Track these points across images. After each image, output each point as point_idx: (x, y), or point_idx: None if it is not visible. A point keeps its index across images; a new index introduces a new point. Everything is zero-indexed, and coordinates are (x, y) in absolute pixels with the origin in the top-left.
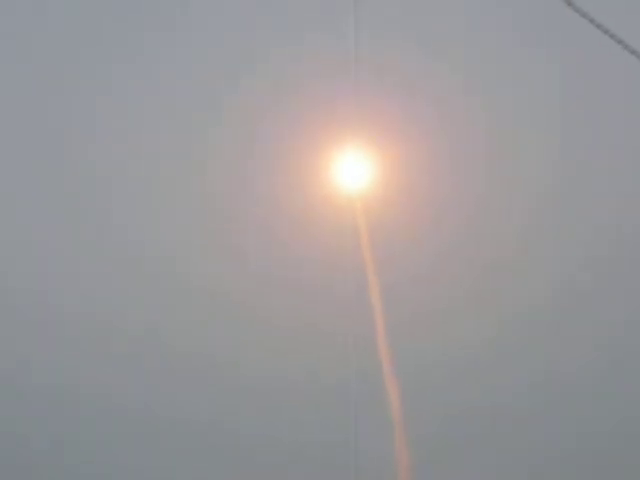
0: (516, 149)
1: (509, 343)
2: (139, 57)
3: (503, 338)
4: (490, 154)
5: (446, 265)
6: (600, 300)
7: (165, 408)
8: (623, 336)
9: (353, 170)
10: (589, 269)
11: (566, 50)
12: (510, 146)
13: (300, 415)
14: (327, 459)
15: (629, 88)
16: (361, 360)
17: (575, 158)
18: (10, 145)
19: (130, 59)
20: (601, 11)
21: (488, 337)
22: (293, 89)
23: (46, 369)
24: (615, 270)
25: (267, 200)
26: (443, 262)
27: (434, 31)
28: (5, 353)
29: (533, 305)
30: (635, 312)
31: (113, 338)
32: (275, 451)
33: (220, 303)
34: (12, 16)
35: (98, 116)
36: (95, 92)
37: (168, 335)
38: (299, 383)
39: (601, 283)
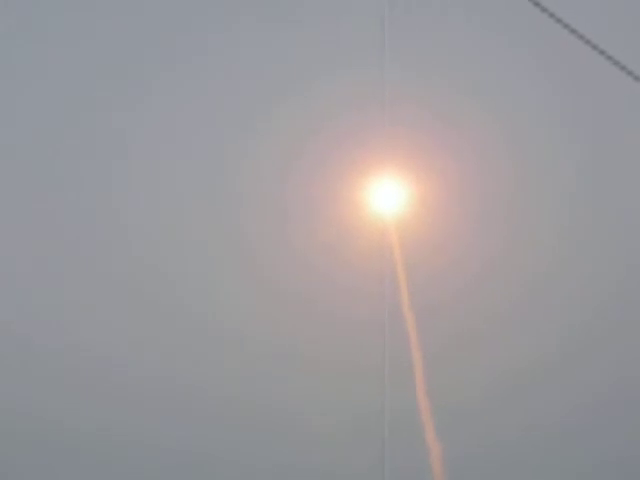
0: (547, 176)
1: (549, 365)
2: (173, 74)
3: (543, 360)
4: (520, 179)
5: (480, 289)
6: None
7: (183, 445)
8: None
9: (386, 198)
10: (629, 293)
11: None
12: (541, 171)
13: (335, 447)
14: None
15: None
16: (396, 387)
17: (605, 187)
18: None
19: (164, 78)
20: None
21: (527, 360)
22: (325, 119)
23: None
24: None
25: (301, 231)
26: (476, 286)
27: (463, 60)
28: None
29: (573, 325)
30: None
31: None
32: None
33: (253, 336)
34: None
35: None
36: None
37: (200, 376)
38: (332, 411)
39: None
